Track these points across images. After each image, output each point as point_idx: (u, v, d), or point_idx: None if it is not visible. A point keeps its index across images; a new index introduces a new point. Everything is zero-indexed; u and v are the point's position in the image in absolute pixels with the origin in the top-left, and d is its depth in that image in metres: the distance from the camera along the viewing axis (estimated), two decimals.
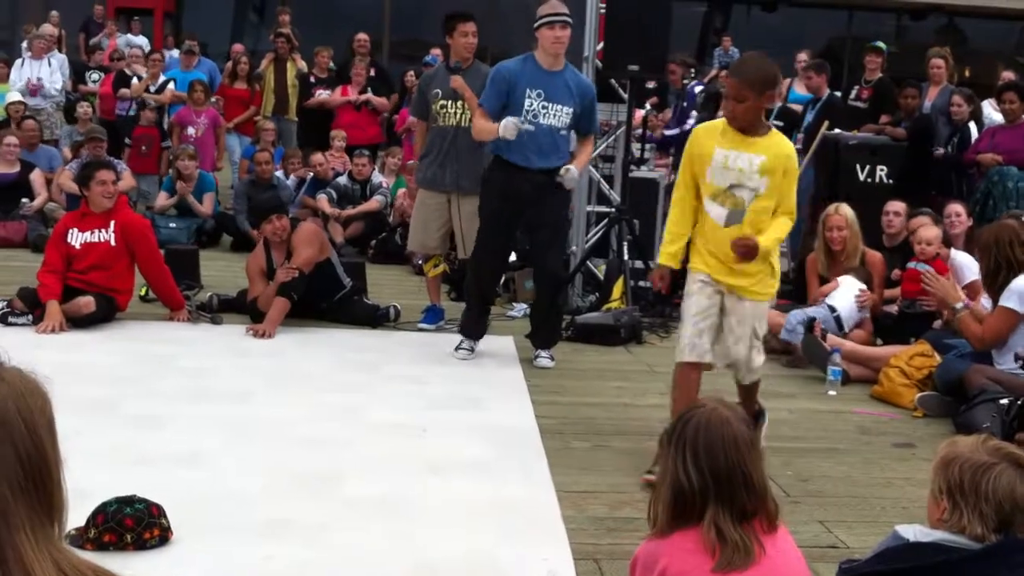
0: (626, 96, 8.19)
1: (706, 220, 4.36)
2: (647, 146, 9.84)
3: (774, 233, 4.30)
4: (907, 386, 5.70)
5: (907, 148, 8.62)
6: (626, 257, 7.54)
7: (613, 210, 7.95)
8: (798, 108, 10.22)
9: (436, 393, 5.45)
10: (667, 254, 4.48)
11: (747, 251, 4.20)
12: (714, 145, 4.28)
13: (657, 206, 8.48)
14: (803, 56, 11.63)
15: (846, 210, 6.83)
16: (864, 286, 6.61)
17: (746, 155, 4.23)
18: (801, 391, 5.93)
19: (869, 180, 8.51)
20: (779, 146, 4.30)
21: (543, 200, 5.94)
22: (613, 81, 8.26)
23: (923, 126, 8.75)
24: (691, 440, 2.25)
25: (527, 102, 5.90)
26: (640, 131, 9.57)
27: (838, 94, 9.89)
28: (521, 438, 4.74)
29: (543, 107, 5.92)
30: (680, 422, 2.31)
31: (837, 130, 8.91)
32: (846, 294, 6.58)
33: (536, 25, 6.00)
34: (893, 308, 6.81)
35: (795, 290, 7.33)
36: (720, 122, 4.36)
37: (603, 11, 7.92)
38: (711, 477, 2.22)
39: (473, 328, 6.28)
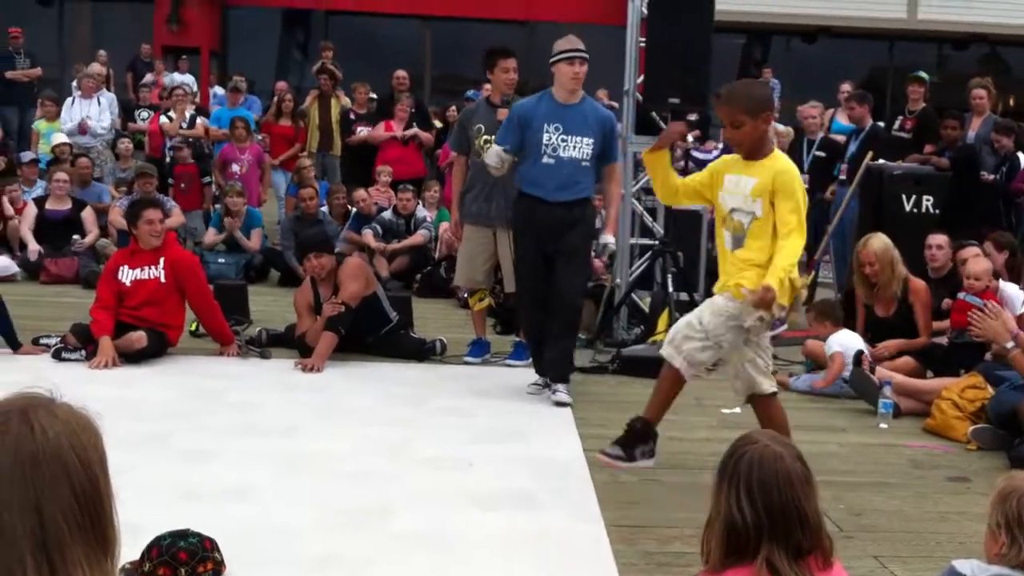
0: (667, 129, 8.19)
1: (721, 244, 4.47)
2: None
3: (781, 262, 4.23)
4: (960, 419, 5.63)
5: (951, 178, 8.57)
6: (671, 289, 7.53)
7: (657, 242, 7.95)
8: (841, 139, 10.20)
9: (482, 426, 5.46)
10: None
11: (763, 301, 4.18)
12: (725, 172, 4.41)
13: (701, 238, 8.47)
14: (846, 87, 11.61)
15: (875, 243, 6.79)
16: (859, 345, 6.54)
17: (744, 178, 4.32)
18: (852, 425, 5.88)
19: (915, 210, 8.45)
20: (773, 166, 4.30)
21: (564, 231, 5.98)
22: (654, 114, 8.28)
23: (967, 156, 8.70)
24: (744, 476, 2.24)
25: (545, 136, 5.98)
26: (682, 163, 9.58)
27: (881, 124, 9.86)
28: (569, 471, 4.73)
29: (562, 140, 6.00)
30: (732, 457, 2.30)
31: (881, 160, 8.87)
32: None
33: (553, 60, 6.10)
34: (943, 339, 6.74)
35: (845, 321, 7.28)
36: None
37: (643, 44, 7.96)
38: (765, 514, 2.20)
39: (540, 364, 6.28)
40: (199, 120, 12.25)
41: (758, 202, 4.27)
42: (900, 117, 9.99)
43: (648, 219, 8.41)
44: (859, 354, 6.42)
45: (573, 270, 6.09)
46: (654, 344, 7.15)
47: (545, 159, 5.97)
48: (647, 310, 7.86)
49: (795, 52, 20.36)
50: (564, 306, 6.16)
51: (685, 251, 7.97)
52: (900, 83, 11.50)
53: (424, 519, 4.05)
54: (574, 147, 6.01)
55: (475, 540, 3.86)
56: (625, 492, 4.49)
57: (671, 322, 7.34)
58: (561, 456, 4.97)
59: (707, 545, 2.32)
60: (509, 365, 6.89)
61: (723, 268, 4.46)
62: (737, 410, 5.92)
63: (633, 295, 7.97)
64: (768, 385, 4.42)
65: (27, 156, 11.79)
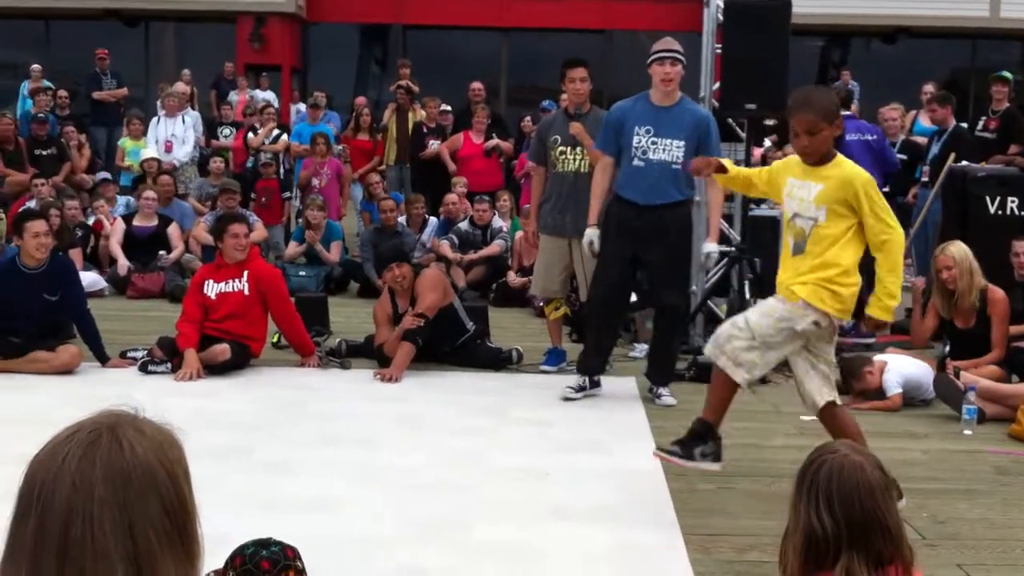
0: (744, 135, 8.14)
1: (785, 246, 4.42)
2: None
3: (886, 276, 4.20)
4: None
5: None
6: (748, 296, 7.47)
7: (733, 249, 7.90)
8: (923, 140, 10.02)
9: (559, 436, 5.48)
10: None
11: (877, 327, 4.27)
12: (788, 176, 4.35)
13: (778, 244, 8.35)
14: (928, 88, 11.39)
15: (954, 249, 6.63)
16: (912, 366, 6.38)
17: (808, 184, 4.24)
18: (935, 431, 5.77)
19: (1000, 212, 8.26)
20: (841, 174, 4.20)
21: (656, 236, 5.96)
22: (731, 120, 8.23)
23: None
24: (824, 486, 2.23)
25: (635, 139, 5.98)
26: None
27: (964, 125, 9.65)
28: (646, 481, 4.72)
29: (652, 143, 5.98)
30: (812, 467, 2.29)
31: (964, 162, 8.69)
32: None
33: (648, 62, 6.09)
34: None
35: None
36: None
37: (719, 51, 7.92)
38: (845, 524, 2.19)
39: (588, 363, 6.31)
40: (283, 137, 12.48)
41: (822, 209, 4.20)
42: (984, 118, 9.78)
43: (724, 225, 8.34)
44: (943, 359, 6.31)
45: (671, 276, 6.11)
46: None
47: (635, 162, 5.98)
48: (724, 317, 7.80)
49: (875, 53, 20.04)
50: (667, 312, 6.19)
51: (762, 257, 7.90)
52: (983, 83, 11.27)
53: (503, 530, 4.08)
54: (664, 150, 5.99)
55: (554, 551, 3.88)
56: (702, 500, 4.47)
57: None
58: (638, 465, 4.96)
59: (785, 556, 2.31)
60: (544, 371, 6.91)
61: (783, 270, 4.39)
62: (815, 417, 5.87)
63: (709, 302, 7.92)
64: (824, 396, 4.27)
65: (101, 176, 12.12)
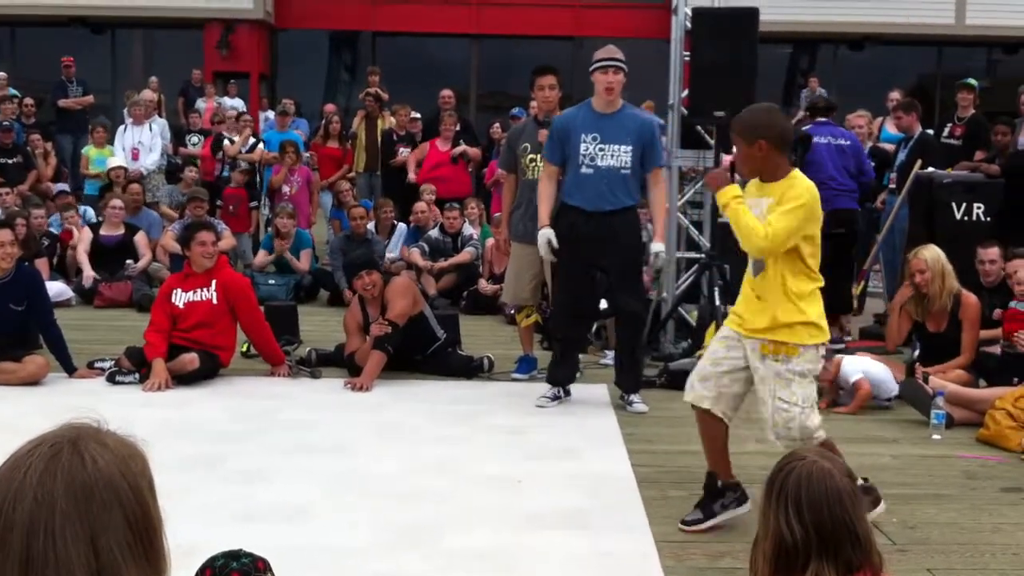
0: (712, 142, 8.18)
1: (746, 270, 4.36)
2: None
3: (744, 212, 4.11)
4: (1014, 428, 5.55)
5: (1004, 186, 8.45)
6: (718, 302, 7.50)
7: (703, 256, 7.93)
8: (890, 147, 10.11)
9: (532, 443, 5.48)
10: None
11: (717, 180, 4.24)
12: (747, 196, 4.25)
13: None
14: (895, 95, 11.50)
15: (927, 253, 6.69)
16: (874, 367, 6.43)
17: (762, 200, 4.13)
18: (904, 436, 5.81)
19: (966, 218, 8.35)
20: (789, 187, 4.07)
21: (608, 243, 5.99)
22: (699, 128, 8.26)
23: (1019, 163, 8.57)
24: (793, 493, 2.23)
25: (583, 147, 6.03)
26: (728, 176, 9.55)
27: (931, 132, 9.75)
28: (618, 487, 4.73)
29: (599, 149, 6.03)
30: (781, 474, 2.30)
31: (931, 168, 8.77)
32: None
33: (591, 70, 6.13)
34: (996, 348, 6.64)
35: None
36: None
37: (687, 58, 7.96)
38: (814, 531, 2.19)
39: (557, 374, 6.34)
40: (259, 146, 12.41)
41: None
42: (949, 124, 9.88)
43: (694, 232, 8.39)
44: (912, 364, 6.36)
45: (628, 284, 6.15)
46: (701, 358, 7.13)
47: (583, 169, 6.02)
48: (694, 324, 7.84)
49: (842, 60, 20.20)
50: (627, 320, 6.24)
51: (732, 264, 7.94)
52: (949, 89, 11.38)
53: (477, 537, 4.07)
54: (612, 156, 6.04)
55: (527, 557, 3.88)
56: (674, 507, 4.48)
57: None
58: (610, 472, 4.97)
59: (755, 563, 2.32)
60: (515, 379, 6.92)
61: (741, 295, 4.35)
62: None
63: (680, 308, 7.95)
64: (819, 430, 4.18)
65: (59, 187, 12.00)
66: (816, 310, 4.12)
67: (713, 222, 8.00)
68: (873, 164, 9.84)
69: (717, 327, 7.34)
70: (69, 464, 1.36)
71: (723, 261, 7.71)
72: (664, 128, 8.51)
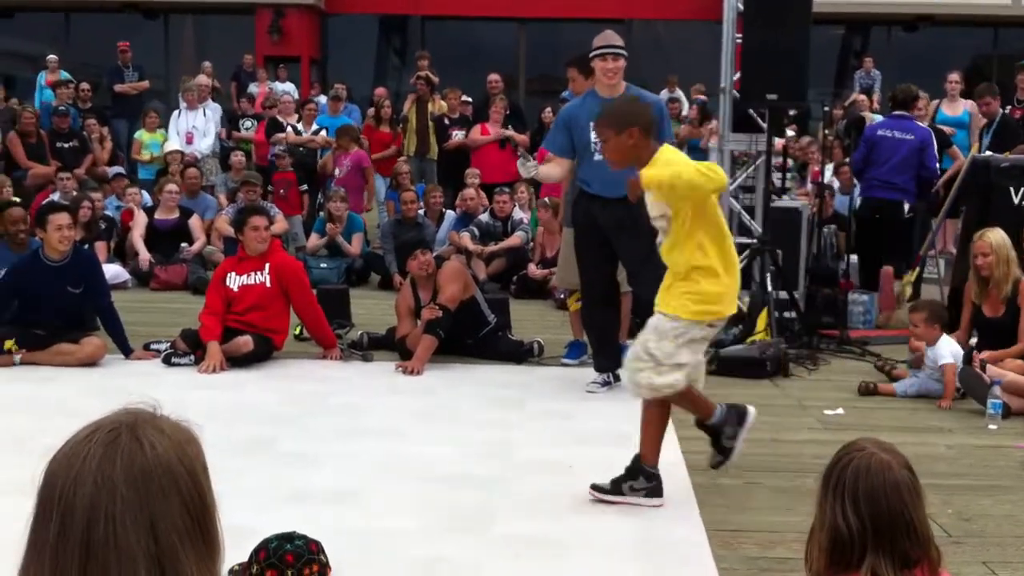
0: (764, 125, 8.11)
1: None
2: (788, 175, 9.72)
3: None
4: None
5: None
6: (769, 288, 7.45)
7: (755, 241, 7.87)
8: (948, 130, 9.98)
9: (582, 428, 5.48)
10: None
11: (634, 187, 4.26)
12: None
13: (800, 236, 8.35)
14: (954, 77, 11.31)
15: (991, 236, 6.58)
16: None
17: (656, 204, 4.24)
18: (959, 426, 5.74)
19: None
20: (657, 160, 4.18)
21: (626, 229, 5.96)
22: (752, 111, 8.19)
23: None
24: (850, 485, 2.21)
25: (592, 135, 6.01)
26: (780, 159, 9.47)
27: (1008, 111, 9.62)
28: (669, 474, 4.69)
29: None
30: (838, 465, 2.27)
31: (988, 152, 8.63)
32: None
33: (590, 56, 6.12)
34: None
35: (951, 319, 7.10)
36: None
37: (739, 40, 7.89)
38: (871, 524, 2.17)
39: (601, 362, 6.34)
40: (321, 132, 12.50)
41: (660, 203, 4.21)
42: (1008, 107, 9.71)
43: (746, 217, 8.33)
44: (969, 352, 6.26)
45: (650, 273, 6.08)
46: (753, 344, 7.10)
47: (596, 156, 6.00)
48: (745, 310, 7.78)
49: (896, 42, 19.90)
50: (650, 309, 6.18)
51: (784, 249, 7.88)
52: (1005, 71, 11.18)
53: (526, 522, 4.08)
54: None
55: (576, 544, 3.88)
56: (725, 495, 4.46)
57: (770, 321, 7.29)
58: (661, 458, 4.93)
59: (810, 554, 2.30)
60: (565, 364, 6.92)
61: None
62: (840, 411, 5.86)
63: None
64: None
65: (115, 170, 12.16)
66: (705, 286, 4.13)
67: (765, 207, 7.93)
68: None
69: (769, 313, 7.32)
70: (128, 450, 1.37)
71: (775, 247, 7.65)
72: (715, 111, 8.46)
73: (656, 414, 4.33)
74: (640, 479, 4.27)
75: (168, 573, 1.35)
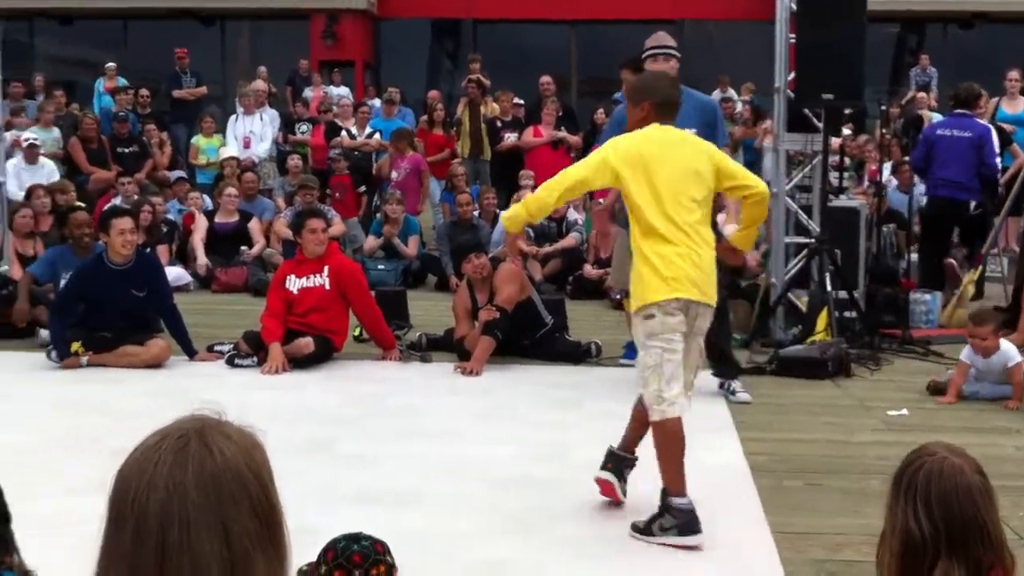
0: (820, 125, 8.03)
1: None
2: (846, 174, 9.62)
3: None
4: None
5: None
6: (829, 288, 7.39)
7: (813, 241, 7.81)
8: (1008, 127, 9.83)
9: None
10: None
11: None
12: None
13: (859, 235, 8.27)
14: (1014, 74, 11.12)
15: None
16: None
17: None
18: None
19: None
20: None
21: None
22: (807, 111, 8.11)
23: None
24: (922, 489, 2.18)
25: None
26: (837, 159, 9.37)
27: None
28: (732, 477, 4.70)
29: None
30: (910, 469, 2.25)
31: None
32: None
33: (643, 57, 6.11)
34: None
35: (1011, 318, 7.01)
36: None
37: (793, 40, 7.82)
38: (944, 529, 2.15)
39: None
40: (375, 135, 12.61)
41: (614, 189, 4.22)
42: None
43: (803, 217, 8.25)
44: None
45: None
46: (813, 344, 7.04)
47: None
48: (804, 310, 7.72)
49: (952, 39, 19.62)
50: None
51: (843, 249, 7.80)
52: None
53: (588, 524, 4.09)
54: None
55: (640, 546, 3.88)
56: (789, 497, 4.44)
57: (830, 321, 7.23)
58: (722, 460, 4.93)
59: (882, 559, 2.28)
60: (623, 364, 6.90)
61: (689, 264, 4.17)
62: (904, 412, 5.79)
63: (789, 294, 7.84)
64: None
65: (176, 175, 12.35)
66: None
67: (823, 206, 7.86)
68: None
69: (829, 313, 7.25)
70: (198, 456, 1.38)
71: (833, 246, 7.58)
72: (770, 112, 8.39)
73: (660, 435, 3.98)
74: (667, 516, 3.89)
75: None
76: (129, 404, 5.81)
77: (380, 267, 10.14)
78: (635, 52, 6.93)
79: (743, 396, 6.09)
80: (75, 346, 6.71)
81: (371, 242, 10.53)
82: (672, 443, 3.94)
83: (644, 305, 3.91)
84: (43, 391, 6.19)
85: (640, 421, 4.19)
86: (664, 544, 3.85)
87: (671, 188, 3.93)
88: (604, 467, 4.27)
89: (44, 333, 7.21)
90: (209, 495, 1.36)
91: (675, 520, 3.86)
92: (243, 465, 1.40)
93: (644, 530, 3.94)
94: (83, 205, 9.09)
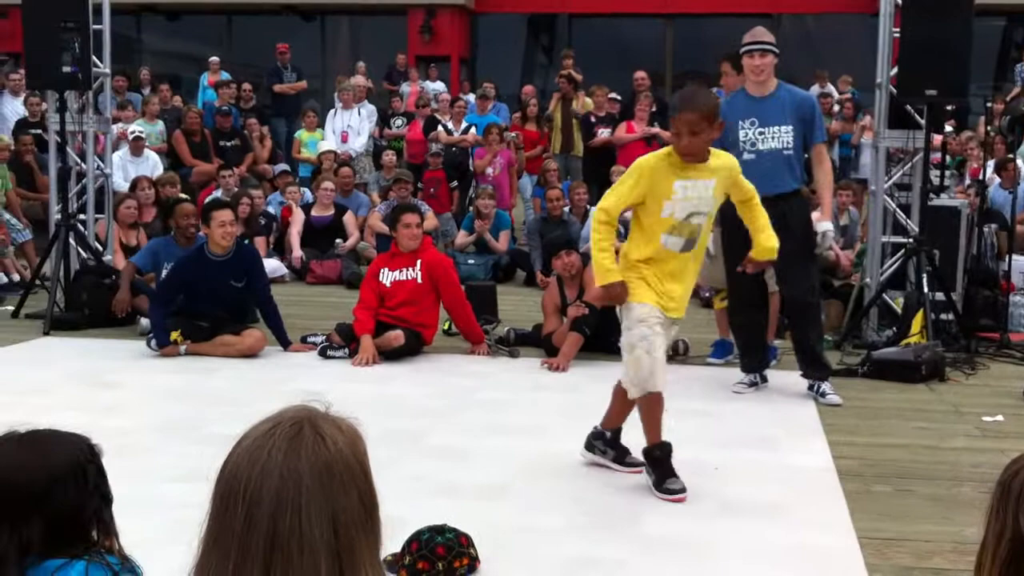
0: (923, 122, 7.85)
1: (653, 250, 4.48)
2: (947, 172, 9.40)
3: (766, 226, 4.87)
4: None
5: None
6: (926, 289, 7.23)
7: (910, 240, 7.65)
8: None
9: (727, 430, 5.44)
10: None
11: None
12: (671, 180, 4.37)
13: (959, 236, 8.07)
14: None
15: None
16: None
17: (700, 182, 4.40)
18: None
19: None
20: (724, 165, 4.52)
21: (778, 230, 5.82)
22: (909, 107, 7.94)
23: None
24: None
25: (742, 133, 5.97)
26: (938, 156, 9.16)
27: None
28: (818, 480, 4.65)
29: (759, 133, 5.97)
30: (1020, 475, 2.20)
31: None
32: None
33: (740, 52, 6.10)
34: None
35: None
36: (667, 154, 4.44)
37: (897, 34, 7.66)
38: None
39: (747, 363, 6.30)
40: (471, 130, 12.73)
41: (715, 201, 4.47)
42: None
43: (901, 216, 8.08)
44: None
45: (799, 272, 6.00)
46: (907, 347, 6.90)
47: (745, 155, 5.92)
48: (899, 311, 7.57)
49: None
50: (799, 309, 6.10)
51: (942, 249, 7.63)
52: None
53: (674, 523, 4.09)
54: (773, 138, 5.97)
55: (725, 548, 3.87)
56: (877, 503, 4.37)
57: (926, 323, 7.08)
58: (810, 463, 4.88)
59: (983, 567, 2.23)
60: (711, 363, 6.85)
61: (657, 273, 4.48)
62: (999, 418, 5.66)
63: (884, 295, 7.69)
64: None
65: (279, 168, 12.61)
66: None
67: (923, 205, 7.69)
68: None
69: (925, 315, 7.10)
70: (311, 443, 1.41)
71: (932, 246, 7.42)
72: (870, 107, 8.22)
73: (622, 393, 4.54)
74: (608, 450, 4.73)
75: (345, 565, 1.40)
76: (225, 392, 5.98)
77: (471, 261, 10.22)
78: (732, 46, 6.89)
79: (833, 398, 6.00)
80: (174, 335, 6.91)
81: (463, 237, 10.62)
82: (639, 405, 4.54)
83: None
84: (143, 379, 6.40)
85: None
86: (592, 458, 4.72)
87: None
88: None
89: (144, 322, 7.44)
90: (323, 482, 1.39)
91: (614, 451, 4.69)
92: (351, 455, 1.44)
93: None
94: (187, 197, 9.35)
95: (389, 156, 12.30)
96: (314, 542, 1.38)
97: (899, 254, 7.84)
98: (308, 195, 11.50)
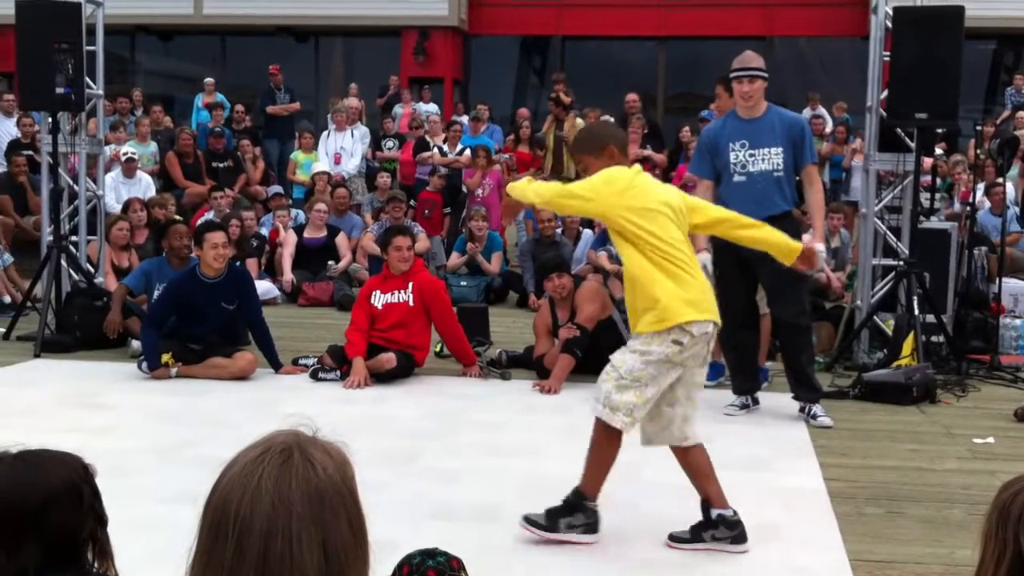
0: (913, 144, 7.90)
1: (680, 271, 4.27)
2: (937, 195, 9.45)
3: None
4: None
5: None
6: (916, 312, 7.26)
7: (901, 263, 7.68)
8: None
9: (719, 452, 5.36)
10: None
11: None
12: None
13: (949, 258, 8.11)
14: None
15: None
16: None
17: None
18: None
19: None
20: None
21: (766, 253, 5.86)
22: (899, 130, 7.99)
23: None
24: None
25: (732, 155, 6.01)
26: (927, 179, 9.21)
27: None
28: (809, 502, 4.65)
29: (749, 155, 6.01)
30: (1020, 497, 2.20)
31: None
32: None
33: (730, 77, 6.15)
34: None
35: None
36: None
37: (887, 58, 7.72)
38: None
39: (738, 385, 6.32)
40: (466, 152, 12.77)
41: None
42: None
43: (892, 238, 8.12)
44: None
45: (789, 294, 6.02)
46: (898, 369, 6.92)
47: (736, 177, 5.98)
48: (890, 333, 7.59)
49: None
50: (790, 331, 6.13)
51: (932, 272, 7.66)
52: None
53: (665, 547, 4.08)
54: (763, 159, 6.01)
55: (717, 569, 3.87)
56: (869, 525, 4.37)
57: (916, 345, 7.10)
58: (801, 485, 4.89)
59: None
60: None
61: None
62: (990, 440, 5.67)
63: (875, 317, 7.72)
64: (688, 436, 4.22)
65: (273, 190, 12.62)
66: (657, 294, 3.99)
67: (913, 228, 7.73)
68: None
69: (916, 337, 7.12)
70: (302, 470, 1.41)
71: (922, 269, 7.46)
72: (861, 130, 8.27)
73: (606, 435, 4.09)
74: (578, 515, 4.09)
75: None
76: (216, 414, 5.96)
77: (463, 283, 10.24)
78: (725, 69, 6.94)
79: (824, 420, 6.02)
80: (165, 357, 6.90)
81: (455, 259, 10.64)
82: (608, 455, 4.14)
83: (666, 328, 4.05)
84: (134, 400, 6.38)
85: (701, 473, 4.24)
86: (560, 538, 4.03)
87: None
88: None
89: (136, 344, 7.43)
90: (313, 509, 1.40)
91: (588, 519, 4.07)
92: (339, 480, 1.44)
93: (550, 526, 4.05)
94: (181, 218, 9.35)
95: (384, 178, 12.33)
96: (305, 568, 1.38)
97: (890, 276, 7.87)
98: (301, 216, 11.51)
